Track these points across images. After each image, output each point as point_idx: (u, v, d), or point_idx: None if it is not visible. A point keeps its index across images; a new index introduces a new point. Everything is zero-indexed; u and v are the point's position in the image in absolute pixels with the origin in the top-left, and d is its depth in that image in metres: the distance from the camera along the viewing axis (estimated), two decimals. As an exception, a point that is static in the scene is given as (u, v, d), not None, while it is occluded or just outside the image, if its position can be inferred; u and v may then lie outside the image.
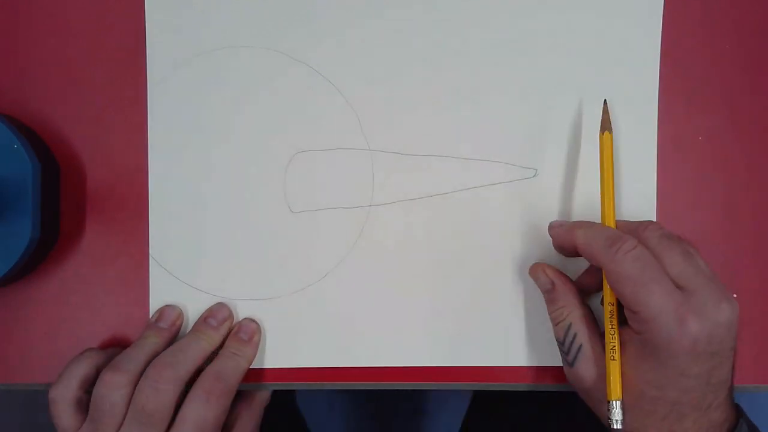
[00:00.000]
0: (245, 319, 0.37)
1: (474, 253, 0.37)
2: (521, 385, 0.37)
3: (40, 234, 0.35)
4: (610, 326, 0.31)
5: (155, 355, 0.33)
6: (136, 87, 0.37)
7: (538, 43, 0.37)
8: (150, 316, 0.36)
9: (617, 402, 0.30)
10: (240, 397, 0.38)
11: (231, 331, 0.36)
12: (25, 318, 0.37)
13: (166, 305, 0.36)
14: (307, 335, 0.37)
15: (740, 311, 0.30)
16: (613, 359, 0.31)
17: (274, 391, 0.39)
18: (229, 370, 0.34)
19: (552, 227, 0.35)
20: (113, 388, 0.31)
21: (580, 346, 0.32)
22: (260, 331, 0.36)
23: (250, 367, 0.36)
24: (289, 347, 0.37)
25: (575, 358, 0.33)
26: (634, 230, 0.31)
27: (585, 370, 0.32)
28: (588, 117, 0.37)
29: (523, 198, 0.37)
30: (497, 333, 0.37)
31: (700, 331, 0.28)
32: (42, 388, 0.37)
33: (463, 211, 0.37)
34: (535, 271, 0.35)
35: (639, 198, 0.37)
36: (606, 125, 0.34)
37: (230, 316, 0.36)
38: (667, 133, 0.37)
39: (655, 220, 0.37)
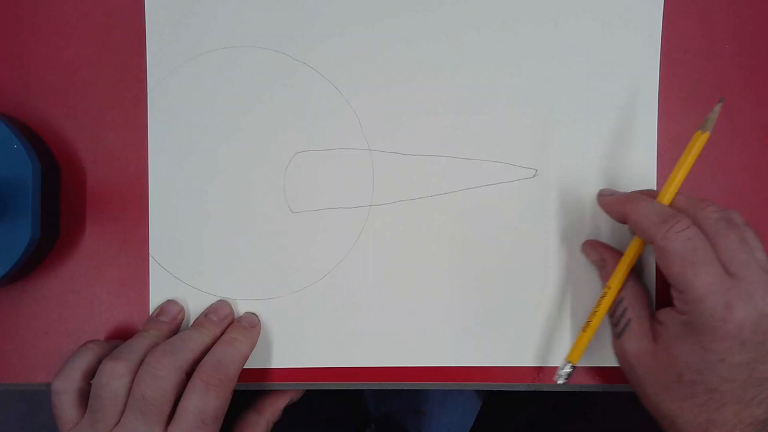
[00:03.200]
0: (246, 313, 0.37)
1: (474, 253, 0.37)
2: (521, 385, 0.37)
3: (40, 234, 0.35)
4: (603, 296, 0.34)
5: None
6: (136, 87, 0.37)
7: (539, 42, 0.37)
8: (150, 313, 0.36)
9: (569, 363, 0.34)
10: (266, 395, 0.38)
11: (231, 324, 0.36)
12: (25, 317, 0.37)
13: (168, 300, 0.37)
14: (307, 335, 0.37)
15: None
16: (584, 330, 0.34)
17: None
18: (228, 358, 0.33)
19: (601, 195, 0.35)
20: (114, 376, 0.31)
21: (629, 321, 0.33)
22: (260, 325, 0.37)
23: (251, 367, 0.36)
24: (289, 347, 0.37)
25: (622, 331, 0.33)
26: (692, 209, 0.31)
27: (629, 344, 0.33)
28: (588, 117, 0.37)
29: (523, 198, 0.37)
30: (497, 333, 0.37)
31: (746, 317, 0.28)
32: (42, 387, 0.37)
33: (464, 211, 0.37)
34: (587, 247, 0.36)
35: (639, 198, 0.37)
36: (709, 125, 0.33)
37: (231, 313, 0.36)
38: (667, 133, 0.37)
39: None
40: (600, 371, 0.37)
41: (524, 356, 0.37)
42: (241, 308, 0.37)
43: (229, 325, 0.36)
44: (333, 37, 0.37)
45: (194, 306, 0.37)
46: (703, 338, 0.29)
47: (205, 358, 0.33)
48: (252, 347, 0.35)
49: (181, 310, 0.36)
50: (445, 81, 0.37)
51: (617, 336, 0.34)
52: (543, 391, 0.37)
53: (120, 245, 0.37)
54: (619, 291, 0.34)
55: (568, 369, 0.34)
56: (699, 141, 0.33)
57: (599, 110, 0.37)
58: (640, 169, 0.37)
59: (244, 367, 0.35)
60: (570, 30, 0.37)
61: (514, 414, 0.55)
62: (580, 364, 0.35)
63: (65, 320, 0.37)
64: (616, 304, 0.34)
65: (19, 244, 0.34)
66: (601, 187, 0.36)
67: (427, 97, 0.37)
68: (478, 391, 0.92)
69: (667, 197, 0.33)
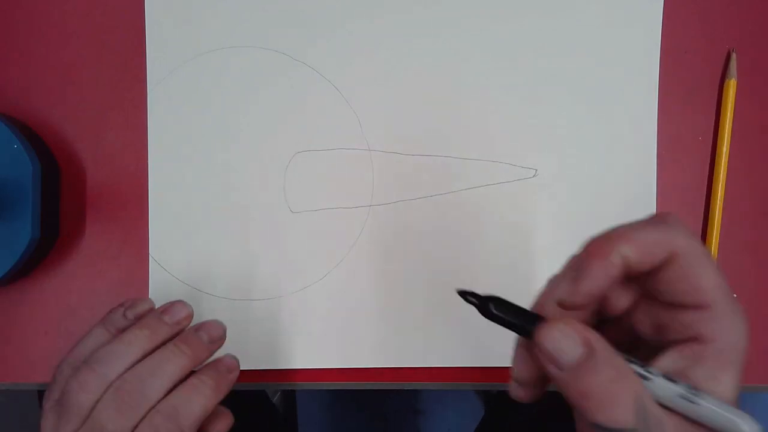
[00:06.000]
0: (227, 355, 0.31)
1: (473, 253, 0.37)
2: (521, 385, 0.37)
3: (40, 234, 0.35)
4: None
5: (143, 357, 0.29)
6: (136, 87, 0.37)
7: (539, 43, 0.37)
8: (157, 305, 0.31)
9: None
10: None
11: (208, 362, 0.31)
12: (25, 317, 0.37)
13: (179, 301, 0.31)
14: (307, 335, 0.37)
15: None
16: None
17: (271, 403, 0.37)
18: (187, 408, 0.28)
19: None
20: (84, 389, 0.28)
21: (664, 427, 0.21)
22: (239, 370, 0.31)
23: (251, 368, 0.36)
24: (289, 347, 0.37)
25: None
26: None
27: None
28: (588, 117, 0.37)
29: (523, 198, 0.37)
30: (497, 333, 0.37)
31: None
32: (42, 388, 0.37)
33: (463, 211, 0.37)
34: (551, 333, 0.22)
35: (639, 198, 0.37)
36: (732, 72, 0.37)
37: (188, 317, 0.31)
38: (667, 133, 0.37)
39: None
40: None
41: (524, 356, 0.37)
42: (241, 308, 0.37)
43: (177, 333, 0.31)
44: (333, 37, 0.37)
45: (194, 306, 0.37)
46: None
47: (163, 401, 0.28)
48: (220, 398, 0.29)
49: (189, 315, 0.31)
50: (445, 81, 0.37)
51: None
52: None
53: (120, 245, 0.37)
54: (630, 392, 0.21)
55: None
56: (731, 88, 0.36)
57: (599, 110, 0.37)
58: (640, 169, 0.37)
59: (243, 368, 0.34)
60: (570, 30, 0.37)
61: (520, 411, 0.55)
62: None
63: (65, 320, 0.37)
64: (636, 411, 0.21)
65: (19, 244, 0.34)
66: (601, 187, 0.36)
67: (427, 96, 0.37)
68: (478, 391, 0.92)
69: (722, 149, 0.36)
